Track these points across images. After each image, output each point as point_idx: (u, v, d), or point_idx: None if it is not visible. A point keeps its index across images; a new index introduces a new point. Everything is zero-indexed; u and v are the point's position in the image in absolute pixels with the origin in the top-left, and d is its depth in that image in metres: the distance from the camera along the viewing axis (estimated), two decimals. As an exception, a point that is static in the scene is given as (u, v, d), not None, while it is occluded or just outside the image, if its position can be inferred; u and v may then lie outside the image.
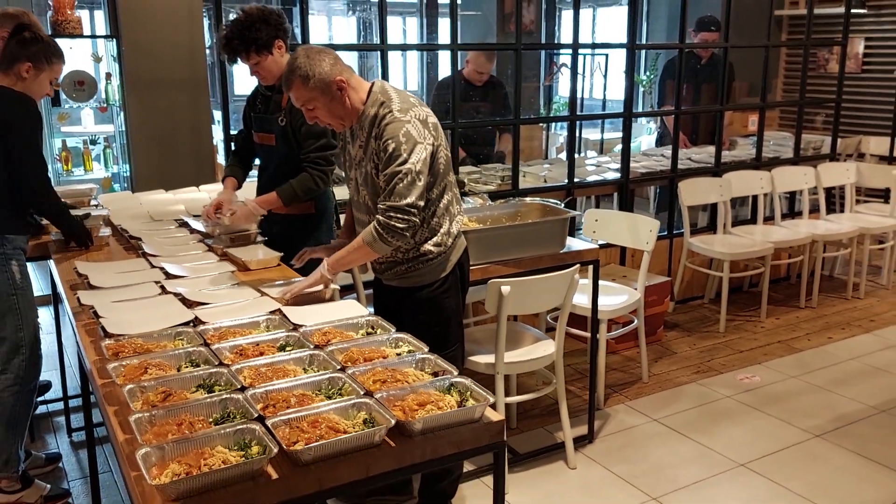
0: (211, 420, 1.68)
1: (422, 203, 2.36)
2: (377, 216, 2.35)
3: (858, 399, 3.80)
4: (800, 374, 4.11)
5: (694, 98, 5.60)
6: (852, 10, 5.87)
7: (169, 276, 2.63)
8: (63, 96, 4.95)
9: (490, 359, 2.98)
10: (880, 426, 3.54)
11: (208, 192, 3.91)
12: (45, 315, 4.31)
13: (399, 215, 2.32)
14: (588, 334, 3.84)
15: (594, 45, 5.89)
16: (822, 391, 3.91)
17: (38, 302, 3.94)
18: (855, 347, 4.45)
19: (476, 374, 2.91)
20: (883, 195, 6.30)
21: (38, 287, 4.48)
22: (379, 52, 3.82)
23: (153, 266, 2.74)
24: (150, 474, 1.45)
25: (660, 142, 6.27)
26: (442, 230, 2.48)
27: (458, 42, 4.05)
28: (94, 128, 6.08)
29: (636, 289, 3.89)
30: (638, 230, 3.88)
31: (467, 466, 3.03)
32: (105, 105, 5.28)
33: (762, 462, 3.25)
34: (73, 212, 3.08)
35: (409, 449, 1.64)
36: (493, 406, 1.75)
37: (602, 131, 7.15)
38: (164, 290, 2.48)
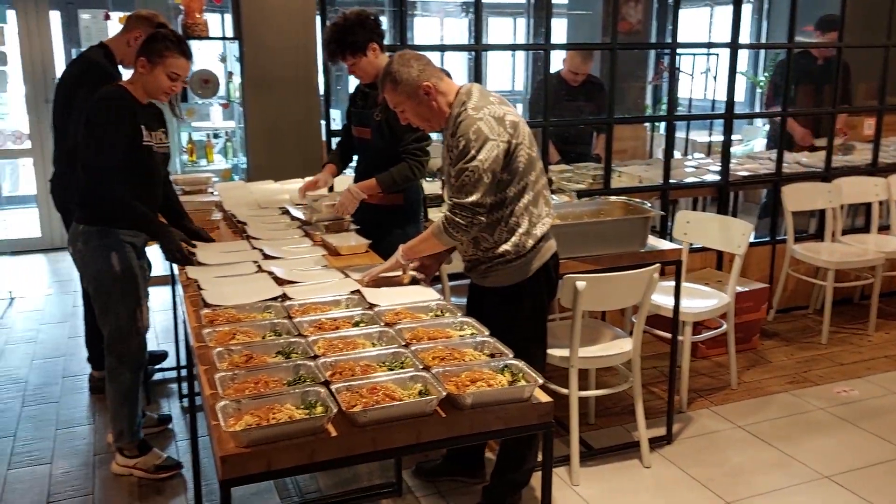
0: (285, 382, 1.86)
1: (488, 201, 2.44)
2: (445, 211, 2.48)
3: (964, 419, 3.61)
4: (903, 389, 3.93)
5: (814, 101, 5.38)
6: None
7: (266, 256, 2.87)
8: (190, 93, 5.37)
9: (565, 352, 3.05)
10: (985, 448, 3.36)
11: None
12: (164, 293, 4.72)
13: (463, 212, 2.42)
14: (665, 335, 3.85)
15: (694, 45, 5.79)
16: (924, 409, 3.73)
17: (159, 282, 4.32)
18: (969, 366, 4.20)
19: (552, 366, 3.00)
20: None
21: (163, 268, 4.89)
22: (474, 53, 3.95)
23: (253, 248, 2.99)
24: (226, 423, 1.64)
25: (773, 145, 6.06)
26: (520, 230, 2.52)
27: (556, 42, 4.11)
28: (220, 123, 6.55)
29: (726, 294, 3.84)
30: (730, 233, 3.83)
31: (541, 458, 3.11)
32: (227, 102, 5.69)
33: (848, 476, 3.15)
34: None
35: (459, 420, 1.76)
36: (552, 392, 1.84)
37: (710, 133, 7.00)
38: (259, 269, 2.71)
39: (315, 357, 1.94)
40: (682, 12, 9.21)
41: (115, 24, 5.91)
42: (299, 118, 5.41)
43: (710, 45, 5.81)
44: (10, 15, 6.59)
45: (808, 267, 4.83)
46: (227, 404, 1.70)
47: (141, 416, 3.19)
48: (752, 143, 7.47)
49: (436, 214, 3.13)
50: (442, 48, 3.81)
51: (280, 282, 2.57)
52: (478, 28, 3.92)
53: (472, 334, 2.13)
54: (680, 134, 7.63)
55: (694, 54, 7.61)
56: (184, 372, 3.97)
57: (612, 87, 4.25)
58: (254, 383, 1.82)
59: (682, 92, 8.22)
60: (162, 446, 3.32)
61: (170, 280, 4.57)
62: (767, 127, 7.32)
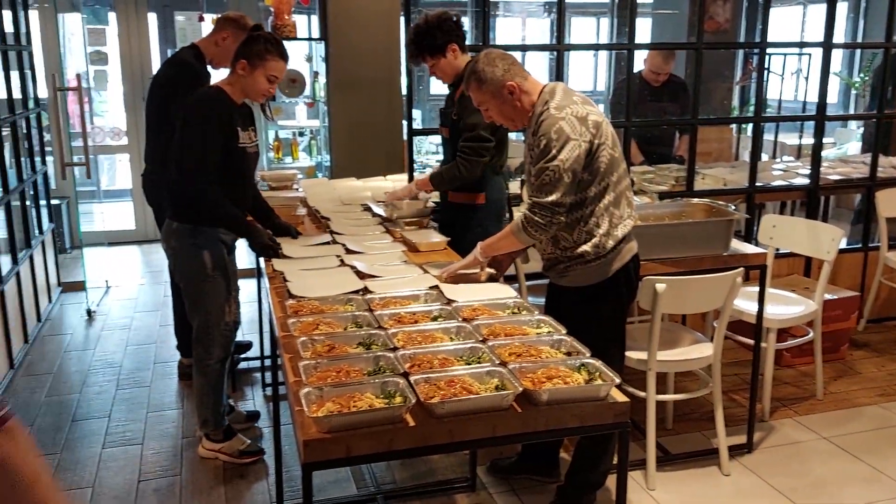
0: (365, 372, 1.91)
1: (568, 200, 2.44)
2: (524, 209, 2.49)
3: None
4: None
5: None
6: None
7: (349, 251, 2.95)
8: (278, 92, 5.54)
9: (643, 355, 3.02)
10: None
11: (393, 182, 4.26)
12: (250, 286, 4.88)
13: (542, 211, 2.42)
14: (747, 341, 3.75)
15: (784, 44, 5.61)
16: None
17: (245, 274, 4.48)
18: None
19: (630, 369, 2.97)
20: None
21: (248, 261, 5.07)
22: (556, 53, 3.94)
23: (336, 242, 3.08)
24: (309, 409, 1.71)
25: (868, 148, 5.83)
26: (600, 231, 2.51)
27: (639, 42, 4.06)
28: (305, 122, 6.74)
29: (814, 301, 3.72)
30: (819, 239, 3.71)
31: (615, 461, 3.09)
32: (312, 101, 5.85)
33: (942, 494, 3.02)
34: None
35: (534, 416, 1.78)
36: (629, 395, 1.83)
37: (801, 135, 6.76)
38: (342, 263, 2.79)
39: (395, 349, 1.99)
40: (774, 11, 8.95)
41: (208, 26, 6.15)
42: (382, 118, 5.51)
43: (801, 44, 5.62)
44: (112, 17, 6.95)
45: (903, 276, 4.62)
46: (311, 391, 1.76)
47: (226, 404, 3.32)
48: (845, 147, 7.19)
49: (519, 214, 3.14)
50: (524, 48, 3.82)
51: (361, 275, 2.64)
52: (560, 28, 3.92)
53: (549, 332, 2.14)
54: (768, 136, 7.42)
55: (784, 54, 7.38)
56: (267, 362, 4.11)
57: (697, 87, 4.17)
58: (335, 372, 1.88)
59: (771, 93, 7.98)
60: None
61: (255, 273, 4.74)
62: (861, 129, 7.04)
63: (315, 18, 6.56)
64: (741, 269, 3.00)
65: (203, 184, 2.84)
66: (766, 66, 4.40)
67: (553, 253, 2.62)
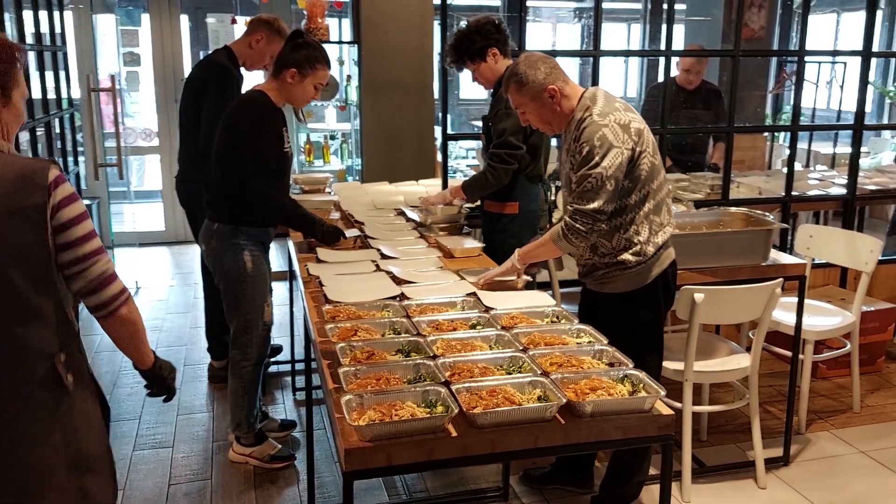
0: (405, 380, 1.90)
1: (610, 208, 2.41)
2: (565, 216, 2.46)
3: None
4: None
5: None
6: None
7: (384, 256, 2.94)
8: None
9: (680, 366, 2.98)
10: None
11: (426, 187, 4.25)
12: (281, 289, 4.90)
13: (584, 219, 2.40)
14: (785, 352, 3.69)
15: (822, 53, 5.53)
16: None
17: (276, 277, 4.49)
18: None
19: (665, 380, 2.93)
20: None
21: (278, 264, 5.09)
22: (592, 59, 3.91)
23: (371, 247, 3.07)
24: (350, 417, 1.69)
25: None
26: (640, 238, 2.49)
27: (674, 48, 4.02)
28: (335, 125, 6.76)
29: (851, 312, 3.65)
30: (857, 249, 3.64)
31: (651, 472, 3.05)
32: (344, 104, 5.85)
33: None
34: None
35: (577, 428, 1.75)
36: (674, 407, 1.81)
37: (835, 144, 6.67)
38: (378, 268, 2.78)
39: (434, 357, 1.97)
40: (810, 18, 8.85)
41: (241, 28, 6.19)
42: (413, 122, 5.51)
43: (838, 52, 5.54)
44: (145, 19, 7.02)
45: (943, 288, 4.53)
46: (351, 398, 1.75)
47: (259, 411, 3.31)
48: (879, 156, 7.08)
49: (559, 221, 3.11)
50: (560, 53, 3.80)
51: (398, 281, 2.63)
52: (596, 33, 3.89)
53: (590, 342, 2.11)
54: (802, 145, 7.32)
55: (819, 62, 7.28)
56: (299, 366, 4.12)
57: (733, 94, 4.12)
58: (375, 379, 1.87)
59: (805, 101, 7.87)
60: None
61: (286, 276, 4.76)
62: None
63: (347, 21, 6.58)
64: (780, 279, 2.96)
65: (268, 188, 2.93)
66: (801, 73, 4.33)
67: (591, 259, 2.59)
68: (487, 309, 2.35)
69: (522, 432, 1.73)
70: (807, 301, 3.42)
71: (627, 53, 7.59)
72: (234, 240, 3.02)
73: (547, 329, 2.20)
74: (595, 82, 3.85)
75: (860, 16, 9.12)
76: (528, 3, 6.86)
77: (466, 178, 3.41)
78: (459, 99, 10.35)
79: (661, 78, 4.09)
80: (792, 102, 4.48)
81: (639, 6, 7.42)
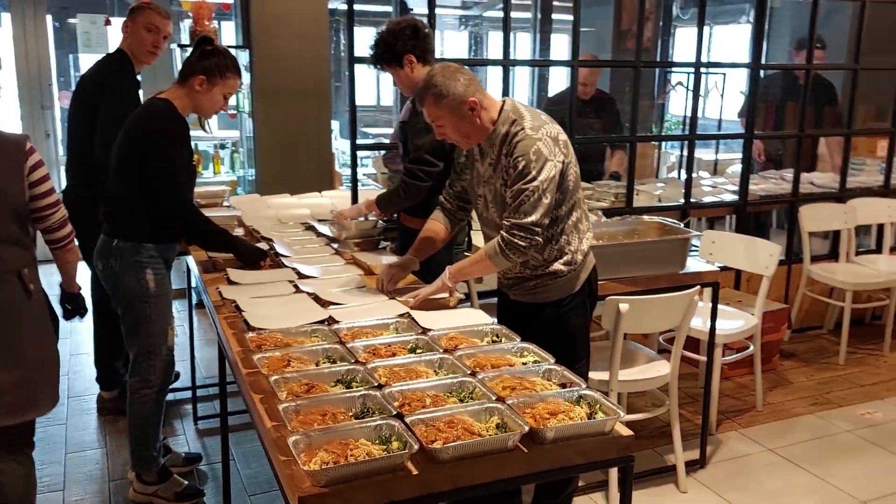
0: (351, 414, 1.76)
1: (546, 221, 2.37)
2: (501, 232, 2.39)
3: None
4: (927, 413, 3.91)
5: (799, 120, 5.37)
6: None
7: (301, 276, 2.77)
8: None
9: (604, 375, 2.98)
10: None
11: (331, 199, 4.09)
12: (176, 308, 4.58)
13: (522, 233, 2.34)
14: (700, 357, 3.79)
15: (717, 65, 5.78)
16: (952, 433, 3.70)
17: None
18: None
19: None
20: None
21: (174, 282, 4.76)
22: (501, 68, 3.89)
23: (285, 266, 2.89)
24: (300, 460, 1.54)
25: (774, 165, 6.03)
26: (571, 247, 2.48)
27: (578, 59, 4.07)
28: (219, 133, 6.41)
29: (752, 314, 3.80)
30: (757, 254, 3.79)
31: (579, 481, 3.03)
32: (234, 112, 5.57)
33: (884, 501, 3.11)
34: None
35: (540, 455, 1.68)
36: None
37: (717, 152, 7.00)
38: (297, 289, 2.61)
39: (379, 386, 1.85)
40: (681, 31, 9.28)
41: (116, 31, 5.78)
42: (310, 130, 5.33)
43: (731, 65, 5.80)
44: (5, 18, 6.44)
45: (822, 287, 4.81)
46: (299, 438, 1.60)
47: (161, 445, 3.06)
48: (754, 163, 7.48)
49: (481, 241, 3.01)
50: (472, 62, 3.75)
51: (321, 303, 2.48)
52: (506, 43, 3.86)
53: (536, 362, 2.04)
54: (680, 152, 7.64)
55: (689, 73, 7.62)
56: (200, 392, 3.85)
57: (635, 104, 4.21)
58: (320, 415, 1.72)
59: (680, 110, 8.23)
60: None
61: (185, 294, 4.46)
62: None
63: (231, 24, 6.29)
64: (697, 287, 3.02)
65: (185, 204, 2.77)
66: (681, 84, 4.49)
67: (521, 273, 2.53)
68: (424, 330, 2.24)
69: (485, 464, 1.63)
70: (709, 305, 3.51)
71: (541, 63, 7.66)
72: (135, 257, 2.78)
73: (489, 350, 2.11)
74: (506, 91, 3.82)
75: (729, 29, 9.70)
76: (413, 11, 6.81)
77: (381, 192, 3.28)
78: (348, 106, 10.17)
79: (560, 87, 4.11)
80: (672, 111, 4.63)
81: (528, 15, 7.53)
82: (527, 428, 1.65)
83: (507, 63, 3.85)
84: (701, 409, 3.73)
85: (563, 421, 1.71)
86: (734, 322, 3.72)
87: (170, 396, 3.90)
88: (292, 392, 1.84)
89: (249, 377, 2.02)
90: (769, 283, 3.74)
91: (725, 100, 6.92)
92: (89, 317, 3.73)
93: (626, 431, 1.76)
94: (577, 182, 2.48)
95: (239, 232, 3.39)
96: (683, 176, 7.11)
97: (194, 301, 4.02)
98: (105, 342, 3.71)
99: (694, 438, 3.49)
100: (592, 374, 2.97)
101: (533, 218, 2.31)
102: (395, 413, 1.71)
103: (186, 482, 3.07)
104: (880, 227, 5.15)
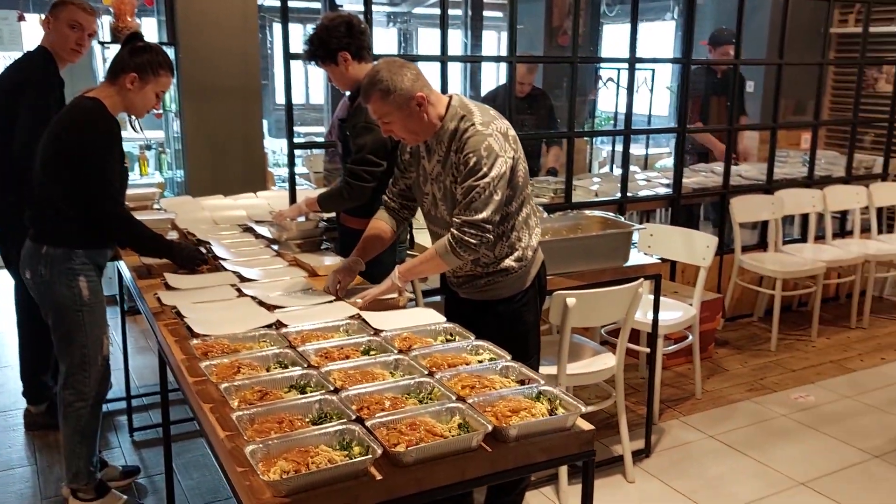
0: (308, 420, 1.71)
1: (497, 218, 2.35)
2: (452, 229, 2.36)
3: (917, 421, 3.76)
4: (855, 394, 4.06)
5: (717, 114, 5.55)
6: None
7: (243, 279, 2.68)
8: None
9: (551, 370, 2.98)
10: (942, 449, 3.50)
11: (266, 199, 3.98)
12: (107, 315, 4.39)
13: (473, 230, 2.31)
14: (641, 349, 3.86)
15: (651, 60, 5.90)
16: (879, 412, 3.86)
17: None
18: (910, 369, 4.40)
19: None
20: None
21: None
22: (440, 63, 3.86)
23: (225, 269, 2.80)
24: (258, 470, 1.48)
25: (700, 158, 6.18)
26: (521, 244, 2.47)
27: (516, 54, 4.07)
28: (150, 133, 6.18)
29: (690, 304, 3.88)
30: (694, 246, 3.87)
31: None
32: (160, 111, 5.38)
33: (823, 481, 3.22)
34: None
35: (504, 454, 1.66)
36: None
37: (647, 146, 7.15)
38: (240, 293, 2.52)
39: (336, 391, 1.79)
40: (608, 28, 9.45)
41: (31, 27, 5.50)
42: (241, 129, 5.19)
43: (665, 60, 5.91)
44: None
45: (752, 276, 4.96)
46: (257, 448, 1.54)
47: (97, 458, 2.92)
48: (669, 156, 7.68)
49: (425, 238, 2.97)
50: (409, 59, 3.67)
51: (266, 306, 2.40)
52: (444, 38, 3.83)
53: (492, 359, 2.03)
54: (618, 147, 7.77)
55: (619, 70, 7.77)
56: (135, 402, 3.70)
57: (573, 100, 4.25)
58: (277, 423, 1.66)
59: (609, 106, 8.39)
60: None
61: (115, 301, 4.28)
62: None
63: (153, 21, 6.07)
64: (641, 279, 3.06)
65: (117, 207, 2.66)
66: (632, 81, 4.56)
67: (472, 271, 2.51)
68: (376, 332, 2.19)
69: (449, 466, 1.60)
70: (650, 297, 3.58)
71: (473, 59, 7.65)
72: (67, 264, 2.65)
73: (444, 349, 2.08)
74: (445, 88, 3.79)
75: (654, 26, 9.92)
76: (342, 7, 6.73)
77: (323, 191, 3.21)
78: (276, 104, 9.99)
79: (493, 84, 4.12)
80: (601, 107, 4.70)
81: (458, 12, 7.53)
82: (490, 427, 1.63)
83: (444, 59, 3.83)
84: (643, 400, 3.81)
85: (525, 418, 1.70)
86: (674, 313, 3.80)
87: (103, 408, 3.76)
88: (245, 400, 1.77)
89: (197, 386, 1.93)
90: (706, 274, 3.83)
91: (654, 95, 7.08)
92: (13, 327, 3.57)
93: (586, 426, 1.76)
94: (526, 178, 2.48)
95: (173, 235, 3.26)
96: (616, 171, 7.26)
97: (126, 308, 3.86)
98: (31, 354, 3.53)
99: (638, 428, 3.55)
100: (540, 369, 2.98)
101: (484, 215, 2.29)
102: (354, 417, 1.66)
103: (125, 496, 2.94)
104: (804, 217, 5.35)
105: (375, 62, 2.44)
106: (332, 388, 1.81)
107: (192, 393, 1.92)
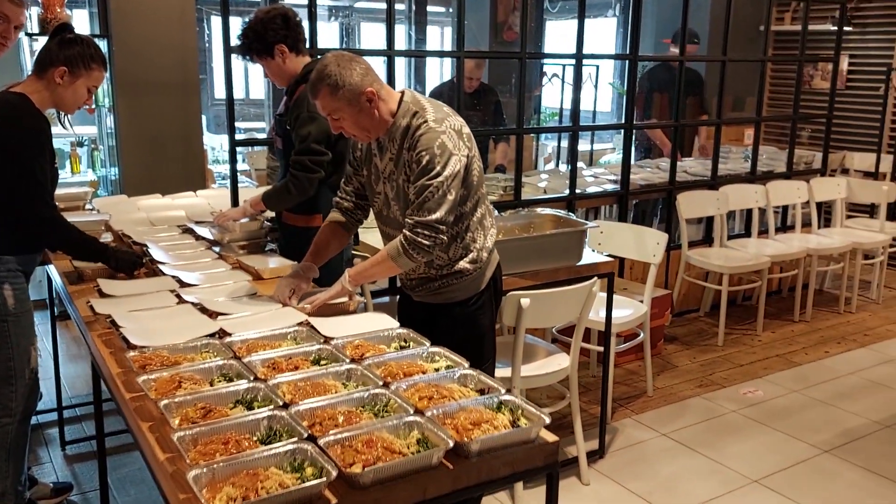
0: (255, 438, 1.59)
1: (451, 218, 2.27)
2: (404, 231, 2.26)
3: (862, 414, 3.81)
4: (801, 388, 4.12)
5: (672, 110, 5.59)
6: (834, 28, 5.96)
7: (183, 284, 2.53)
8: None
9: (505, 372, 2.92)
10: (887, 442, 3.56)
11: (207, 199, 3.81)
12: (37, 321, 4.16)
13: (426, 231, 2.22)
14: (594, 347, 3.83)
15: (597, 56, 5.89)
16: (825, 406, 3.92)
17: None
18: (853, 362, 4.48)
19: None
20: (868, 210, 6.40)
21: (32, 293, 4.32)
22: (387, 58, 3.75)
23: (163, 274, 2.64)
24: (203, 497, 1.36)
25: (643, 154, 6.23)
26: (476, 245, 2.38)
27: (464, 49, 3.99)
28: (76, 129, 5.91)
29: (641, 301, 3.86)
30: (645, 243, 3.86)
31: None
32: (92, 106, 5.13)
33: (774, 478, 3.23)
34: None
35: (466, 470, 1.57)
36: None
37: (591, 142, 7.15)
38: (180, 300, 2.38)
39: (285, 406, 1.68)
40: (550, 24, 9.45)
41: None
42: (178, 126, 4.99)
43: (610, 56, 5.90)
44: None
45: (698, 271, 5.00)
46: (201, 473, 1.42)
47: (26, 475, 2.74)
48: (619, 153, 7.72)
49: (372, 237, 2.87)
50: (362, 53, 3.55)
51: (209, 313, 2.27)
52: (390, 33, 3.72)
53: (450, 367, 1.94)
54: (553, 143, 7.78)
55: (564, 65, 7.78)
56: (66, 413, 3.50)
57: (522, 96, 4.19)
58: (223, 444, 1.54)
59: (553, 102, 8.39)
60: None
61: (44, 306, 4.07)
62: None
63: (85, 12, 5.80)
64: (595, 278, 3.01)
65: (51, 211, 2.50)
66: (579, 76, 4.52)
67: (426, 273, 2.42)
68: (326, 339, 2.08)
69: (409, 485, 1.51)
70: (601, 294, 3.55)
71: (422, 54, 7.54)
72: None
73: (398, 356, 1.99)
74: (392, 84, 3.69)
75: (597, 22, 9.96)
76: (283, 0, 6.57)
77: (267, 189, 3.07)
78: (215, 99, 9.70)
79: (437, 79, 4.03)
80: (545, 103, 4.66)
81: (402, 7, 7.40)
82: (451, 442, 1.54)
83: (390, 54, 3.72)
84: (595, 399, 3.79)
85: (487, 431, 1.61)
86: (624, 311, 3.77)
87: (32, 420, 3.55)
88: (187, 418, 1.64)
89: (134, 402, 1.80)
90: (656, 271, 3.82)
91: (596, 91, 7.09)
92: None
93: (550, 437, 1.69)
94: (481, 177, 2.40)
95: (107, 238, 3.07)
96: (562, 167, 7.26)
97: (56, 313, 3.65)
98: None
99: (591, 428, 3.52)
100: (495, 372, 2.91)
101: (437, 215, 2.20)
102: (306, 435, 1.56)
103: (58, 518, 2.76)
104: (748, 212, 5.42)
105: (323, 56, 2.33)
106: (280, 403, 1.69)
107: (130, 410, 1.78)
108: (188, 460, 1.47)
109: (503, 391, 1.79)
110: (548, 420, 1.66)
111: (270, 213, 3.18)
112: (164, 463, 1.55)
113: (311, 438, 1.54)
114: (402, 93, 2.35)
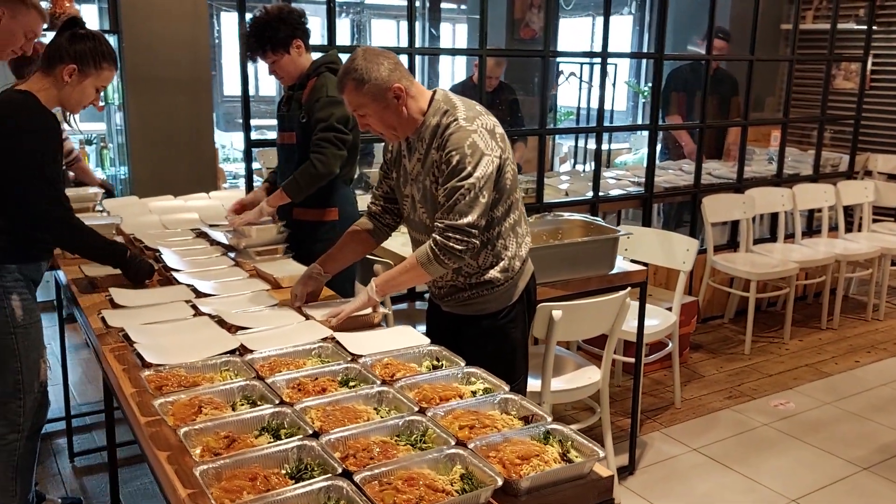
0: (284, 472, 1.46)
1: (483, 222, 2.14)
2: (434, 235, 2.13)
3: (899, 429, 3.67)
4: (833, 399, 3.97)
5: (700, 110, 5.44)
6: (859, 27, 5.80)
7: (199, 294, 2.40)
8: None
9: (534, 386, 2.78)
10: (927, 459, 3.41)
11: (221, 200, 3.68)
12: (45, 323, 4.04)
13: (458, 235, 2.09)
14: (625, 359, 3.69)
15: (621, 55, 5.73)
16: (859, 419, 3.77)
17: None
18: (885, 372, 4.33)
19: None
20: (892, 214, 6.24)
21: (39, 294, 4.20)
22: (408, 56, 3.62)
23: (177, 282, 2.51)
24: (229, 545, 1.23)
25: (664, 155, 6.08)
26: (508, 253, 2.25)
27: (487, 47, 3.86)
28: (84, 126, 5.79)
29: (669, 309, 3.72)
30: (673, 249, 3.72)
31: None
32: (102, 104, 5.01)
33: (813, 497, 3.09)
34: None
35: (514, 509, 1.44)
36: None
37: (609, 142, 6.99)
38: (197, 311, 2.25)
39: (315, 434, 1.55)
40: (564, 22, 9.29)
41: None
42: (190, 124, 4.87)
43: (636, 55, 5.75)
44: None
45: (723, 277, 4.85)
46: (226, 516, 1.29)
47: (34, 493, 2.62)
48: (641, 152, 7.56)
49: (391, 241, 2.72)
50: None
51: (227, 327, 2.13)
52: (411, 31, 3.59)
53: (488, 390, 1.80)
54: (570, 143, 7.63)
55: (584, 64, 7.62)
56: (75, 423, 3.38)
57: (544, 94, 4.05)
58: (249, 479, 1.40)
59: (569, 101, 8.24)
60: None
61: (52, 307, 3.94)
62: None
63: (94, 7, 5.68)
64: (628, 288, 2.87)
65: (62, 209, 2.37)
66: (604, 75, 4.38)
67: (454, 281, 2.28)
68: (354, 357, 1.95)
69: (454, 528, 1.37)
70: (632, 303, 3.41)
71: (444, 52, 7.39)
72: None
73: (433, 377, 1.85)
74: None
75: (613, 20, 9.79)
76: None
77: (284, 182, 2.92)
78: (224, 96, 9.58)
79: (449, 78, 3.91)
80: (561, 102, 4.52)
81: (415, 3, 7.25)
82: (500, 481, 1.40)
83: (411, 52, 3.59)
84: (621, 410, 3.66)
85: (538, 467, 1.48)
86: (652, 320, 3.63)
87: (39, 431, 3.43)
88: (209, 449, 1.51)
89: (150, 428, 1.67)
90: (686, 278, 3.67)
91: (616, 90, 6.93)
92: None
93: (604, 472, 1.55)
94: (515, 179, 2.25)
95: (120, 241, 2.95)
96: (578, 167, 7.11)
97: (64, 315, 3.52)
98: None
99: (620, 442, 3.37)
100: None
101: (469, 219, 2.07)
102: (340, 470, 1.42)
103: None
104: (772, 216, 5.27)
105: (353, 51, 2.21)
106: (310, 432, 1.56)
107: (145, 437, 1.65)
108: (212, 499, 1.34)
109: (549, 419, 1.65)
110: (602, 454, 1.52)
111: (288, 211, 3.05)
112: (186, 500, 1.41)
113: (346, 474, 1.41)
114: (435, 91, 2.23)
